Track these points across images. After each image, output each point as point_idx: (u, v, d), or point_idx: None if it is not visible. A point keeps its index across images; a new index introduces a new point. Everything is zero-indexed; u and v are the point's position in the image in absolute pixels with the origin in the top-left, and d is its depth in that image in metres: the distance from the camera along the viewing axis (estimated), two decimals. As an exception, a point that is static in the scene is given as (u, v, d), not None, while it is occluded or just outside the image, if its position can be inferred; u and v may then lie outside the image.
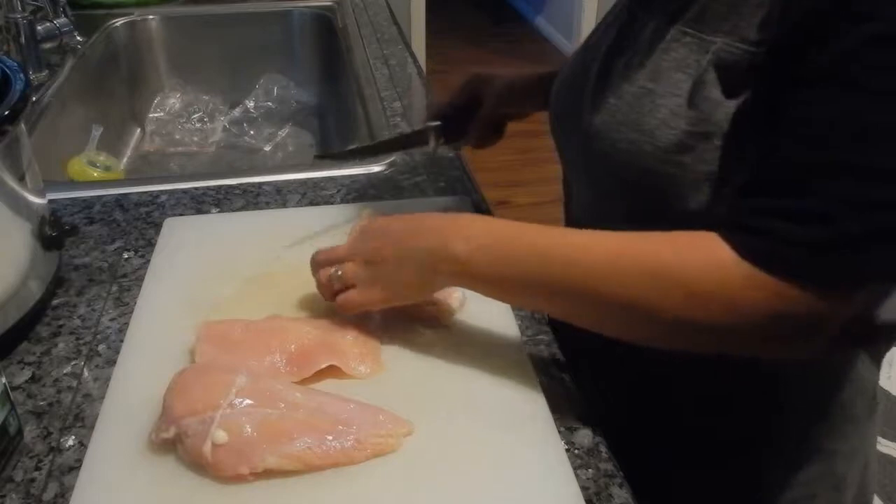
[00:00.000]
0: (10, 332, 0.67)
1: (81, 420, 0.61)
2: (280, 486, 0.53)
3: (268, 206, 0.91)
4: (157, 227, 0.85)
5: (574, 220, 0.77)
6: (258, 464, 0.53)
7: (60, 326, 0.71)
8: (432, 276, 0.60)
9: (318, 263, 0.66)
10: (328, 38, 1.60)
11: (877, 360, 0.71)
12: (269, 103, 1.55)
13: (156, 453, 0.56)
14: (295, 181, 0.96)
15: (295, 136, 1.52)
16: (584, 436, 0.60)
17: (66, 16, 1.33)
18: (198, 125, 1.50)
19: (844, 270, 0.49)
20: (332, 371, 0.62)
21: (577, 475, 0.56)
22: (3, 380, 0.56)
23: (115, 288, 0.76)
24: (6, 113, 0.65)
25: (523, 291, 0.59)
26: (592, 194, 0.70)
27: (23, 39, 1.24)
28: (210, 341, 0.64)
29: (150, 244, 0.82)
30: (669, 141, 0.57)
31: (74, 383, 0.64)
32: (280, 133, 1.50)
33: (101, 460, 0.56)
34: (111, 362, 0.66)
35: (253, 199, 0.92)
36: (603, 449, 0.59)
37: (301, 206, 0.91)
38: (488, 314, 0.69)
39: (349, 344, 0.64)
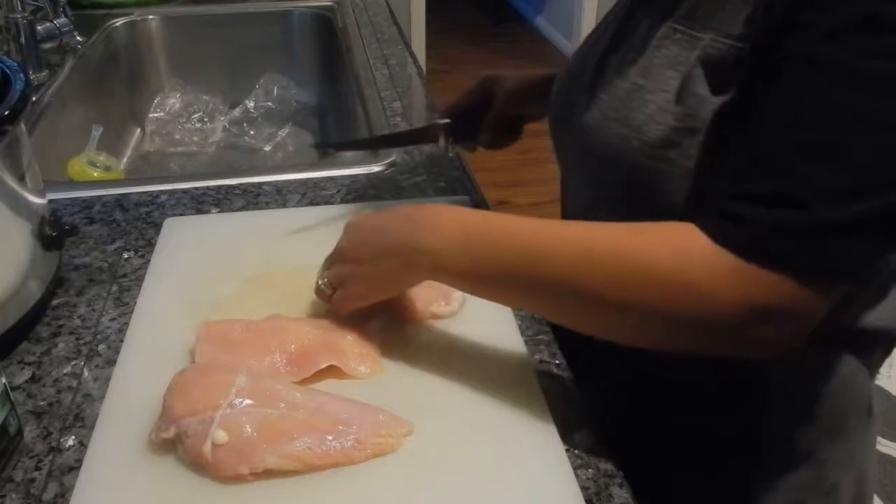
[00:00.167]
0: (10, 332, 0.67)
1: (81, 420, 0.61)
2: (280, 486, 0.53)
3: (268, 206, 0.91)
4: (157, 227, 0.85)
5: (569, 217, 0.77)
6: (258, 464, 0.53)
7: (60, 326, 0.71)
8: (409, 269, 0.60)
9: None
10: (328, 38, 1.60)
11: (872, 371, 0.70)
12: (269, 103, 1.55)
13: (156, 453, 0.56)
14: (295, 181, 0.96)
15: (295, 136, 1.52)
16: (584, 436, 0.60)
17: (66, 16, 1.33)
18: (198, 125, 1.50)
19: (823, 259, 0.48)
20: (332, 371, 0.62)
21: (576, 475, 0.56)
22: (3, 380, 0.56)
23: (115, 288, 0.76)
24: (6, 113, 0.65)
25: (496, 283, 0.58)
26: (587, 191, 0.70)
27: (23, 39, 1.24)
28: (210, 341, 0.64)
29: (150, 244, 0.82)
30: (656, 136, 0.57)
31: (74, 383, 0.64)
32: (280, 133, 1.50)
33: (101, 460, 0.56)
34: (111, 362, 0.66)
35: (253, 199, 0.92)
36: (603, 449, 0.59)
37: (301, 206, 0.91)
38: (488, 314, 0.69)
39: (349, 344, 0.64)
